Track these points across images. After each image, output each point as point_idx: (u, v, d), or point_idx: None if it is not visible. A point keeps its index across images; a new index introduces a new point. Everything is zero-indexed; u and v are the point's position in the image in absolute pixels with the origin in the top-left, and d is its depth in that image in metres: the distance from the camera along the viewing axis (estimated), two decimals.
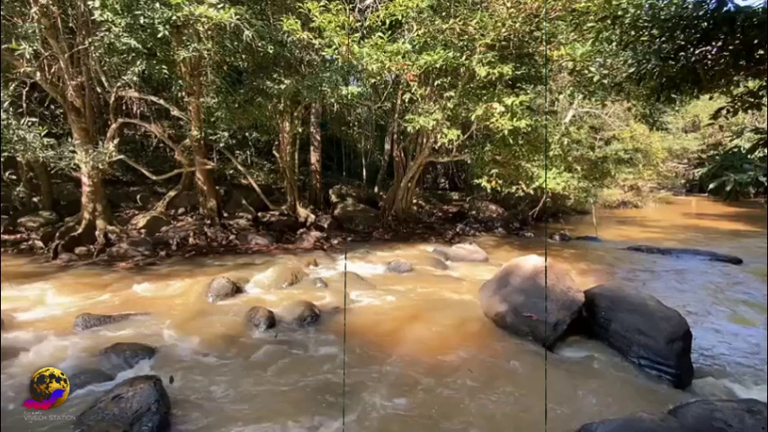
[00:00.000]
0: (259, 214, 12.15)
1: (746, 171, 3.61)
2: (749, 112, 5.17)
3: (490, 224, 14.07)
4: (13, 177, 10.59)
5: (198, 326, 4.90)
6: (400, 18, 8.14)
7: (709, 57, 4.76)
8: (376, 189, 17.26)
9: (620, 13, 5.36)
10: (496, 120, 8.24)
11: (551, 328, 4.57)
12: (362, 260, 8.80)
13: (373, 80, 9.46)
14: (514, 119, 8.16)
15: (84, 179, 8.66)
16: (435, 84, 9.41)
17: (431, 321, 5.16)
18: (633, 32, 5.31)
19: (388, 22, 8.06)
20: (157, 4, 6.49)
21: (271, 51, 7.85)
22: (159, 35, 6.67)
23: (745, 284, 7.72)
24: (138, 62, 7.78)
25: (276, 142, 13.19)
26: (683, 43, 4.74)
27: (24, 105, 9.09)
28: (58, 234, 8.45)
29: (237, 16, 6.76)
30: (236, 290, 6.13)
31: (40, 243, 8.54)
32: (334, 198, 14.98)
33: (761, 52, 4.45)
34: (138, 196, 12.37)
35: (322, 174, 15.58)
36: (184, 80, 8.66)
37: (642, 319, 4.38)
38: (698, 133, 30.89)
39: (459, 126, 9.72)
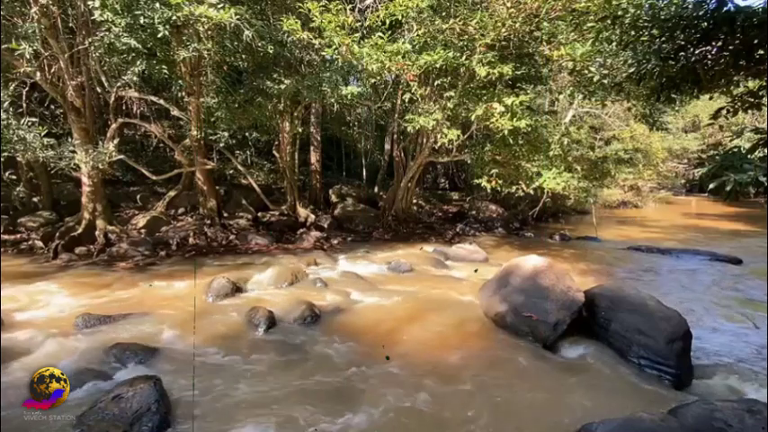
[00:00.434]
0: (259, 214, 12.15)
1: (746, 171, 3.61)
2: (749, 112, 5.17)
3: (490, 224, 14.07)
4: (13, 177, 10.59)
5: (198, 326, 4.89)
6: (400, 18, 8.13)
7: (709, 57, 4.76)
8: (376, 189, 17.27)
9: (620, 13, 5.36)
10: (496, 120, 8.24)
11: (551, 328, 4.57)
12: (362, 260, 8.80)
13: (373, 80, 9.45)
14: (514, 119, 8.16)
15: (84, 179, 8.66)
16: (435, 84, 9.40)
17: (431, 321, 5.16)
18: (633, 32, 5.31)
19: (388, 22, 8.05)
20: (157, 4, 6.49)
21: (271, 51, 7.85)
22: (159, 35, 6.68)
23: (745, 284, 7.72)
24: (138, 62, 7.78)
25: (276, 142, 13.19)
26: (683, 43, 4.74)
27: (24, 105, 9.09)
28: (58, 234, 8.45)
29: (237, 16, 6.76)
30: (236, 290, 6.13)
31: (40, 243, 8.54)
32: (334, 198, 14.98)
33: (761, 52, 4.45)
34: (138, 196, 12.36)
35: (322, 174, 15.58)
36: (184, 80, 8.66)
37: (642, 319, 4.38)
38: (698, 133, 30.90)
39: (459, 126, 9.71)
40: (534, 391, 3.75)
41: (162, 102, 9.67)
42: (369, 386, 3.79)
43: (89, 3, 6.60)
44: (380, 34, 7.74)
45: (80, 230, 8.56)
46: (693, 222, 17.61)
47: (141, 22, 6.64)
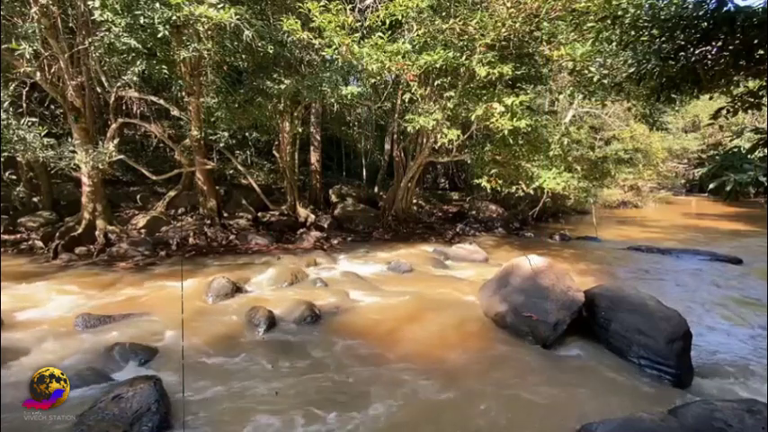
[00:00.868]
0: (259, 214, 12.15)
1: (746, 171, 3.61)
2: (749, 112, 5.17)
3: (490, 224, 14.07)
4: (13, 177, 10.59)
5: (198, 326, 4.90)
6: (400, 18, 8.13)
7: (709, 57, 4.76)
8: (376, 189, 17.27)
9: (620, 13, 5.36)
10: (496, 120, 8.23)
11: (551, 328, 4.57)
12: (362, 260, 8.80)
13: (373, 80, 9.45)
14: (514, 119, 8.16)
15: (84, 179, 8.66)
16: (435, 84, 9.40)
17: (431, 321, 5.16)
18: (633, 32, 5.31)
19: (388, 22, 8.05)
20: (157, 4, 6.49)
21: (271, 51, 7.86)
22: (159, 35, 6.68)
23: (745, 284, 7.72)
24: (138, 62, 7.78)
25: (276, 142, 13.19)
26: (683, 43, 4.74)
27: (24, 105, 9.09)
28: (58, 234, 8.45)
29: (237, 16, 6.76)
30: (236, 290, 6.13)
31: (40, 243, 8.54)
32: (334, 198, 14.98)
33: (761, 52, 4.45)
34: (138, 196, 12.36)
35: (322, 174, 15.58)
36: (184, 80, 8.66)
37: (642, 319, 4.38)
38: (698, 133, 30.90)
39: (459, 126, 9.71)
40: (534, 391, 3.75)
41: (162, 102, 9.67)
42: (369, 386, 3.78)
43: (89, 3, 6.60)
44: (380, 34, 7.74)
45: (80, 230, 8.56)
46: (693, 222, 17.61)
47: (141, 22, 6.64)
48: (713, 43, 4.63)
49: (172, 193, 11.67)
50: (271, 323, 4.94)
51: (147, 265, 7.79)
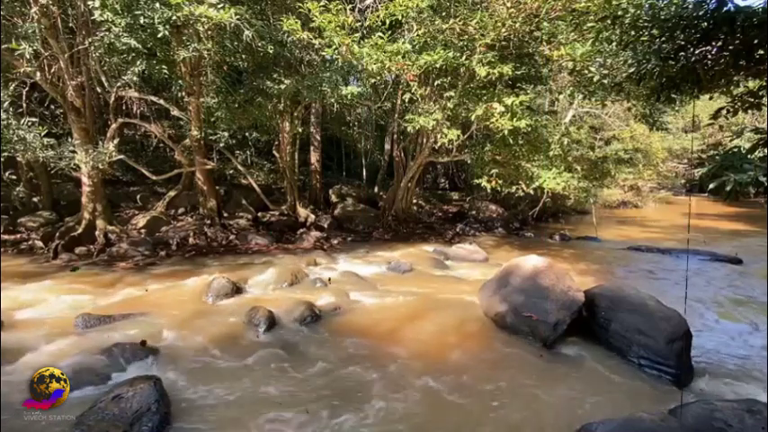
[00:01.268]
0: (259, 214, 12.15)
1: (746, 171, 3.60)
2: (749, 112, 5.17)
3: (490, 224, 14.07)
4: (13, 177, 10.59)
5: (198, 326, 4.90)
6: (400, 18, 8.13)
7: (709, 57, 4.76)
8: (376, 189, 17.27)
9: (620, 13, 5.36)
10: (496, 120, 8.24)
11: (551, 328, 4.57)
12: (362, 260, 8.80)
13: (373, 80, 9.45)
14: (514, 119, 8.16)
15: (84, 179, 8.66)
16: (435, 84, 9.40)
17: (431, 321, 5.16)
18: (633, 32, 5.30)
19: (388, 22, 8.05)
20: (157, 4, 6.49)
21: (271, 51, 7.85)
22: (159, 35, 6.68)
23: (745, 284, 7.72)
24: (138, 62, 7.78)
25: (276, 142, 13.19)
26: (683, 43, 4.74)
27: (24, 105, 9.09)
28: (58, 234, 8.45)
29: (237, 16, 6.76)
30: (236, 290, 6.13)
31: (40, 243, 8.54)
32: (334, 198, 14.98)
33: (761, 52, 4.44)
34: (138, 196, 12.37)
35: (322, 174, 15.58)
36: (184, 80, 8.66)
37: (642, 319, 4.38)
38: (698, 133, 30.88)
39: (459, 126, 9.71)
40: (534, 391, 3.75)
41: (162, 102, 9.67)
42: (369, 386, 3.79)
43: (89, 3, 6.60)
44: (380, 34, 7.74)
45: (80, 230, 8.56)
46: (693, 222, 17.60)
47: (141, 22, 6.64)
48: (713, 43, 4.62)
49: (172, 193, 11.67)
50: (271, 323, 4.94)
51: (147, 265, 7.80)
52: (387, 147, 16.43)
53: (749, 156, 3.93)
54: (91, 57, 8.01)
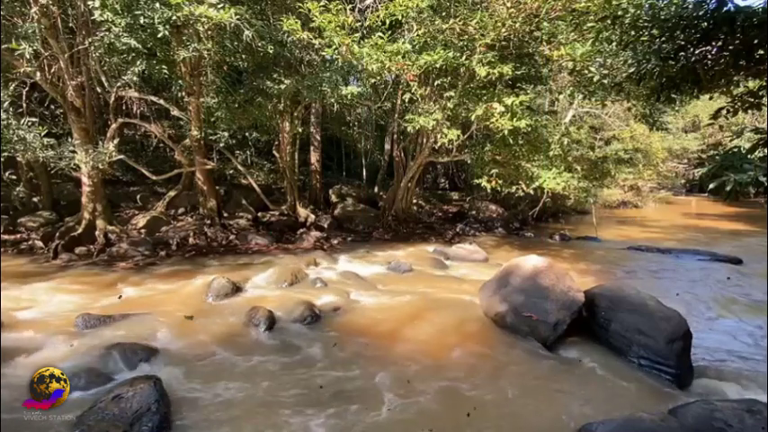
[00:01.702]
0: (259, 214, 12.15)
1: (746, 171, 3.61)
2: (749, 112, 5.17)
3: (490, 224, 14.07)
4: (13, 177, 10.59)
5: (198, 326, 4.90)
6: (400, 18, 8.13)
7: (709, 57, 4.76)
8: (376, 189, 17.27)
9: (620, 13, 5.36)
10: (496, 120, 8.24)
11: (551, 328, 4.57)
12: (362, 260, 8.79)
13: (373, 80, 9.45)
14: (514, 119, 8.16)
15: (84, 179, 8.66)
16: (435, 84, 9.40)
17: (431, 321, 5.15)
18: (633, 32, 5.31)
19: (388, 22, 8.05)
20: (157, 4, 6.49)
21: (271, 51, 7.85)
22: (159, 35, 6.67)
23: (745, 284, 7.72)
24: (138, 62, 7.78)
25: (276, 142, 13.19)
26: (683, 43, 4.74)
27: (24, 105, 9.08)
28: (58, 234, 8.45)
29: (237, 16, 6.75)
30: (236, 290, 6.13)
31: (40, 243, 8.54)
32: (334, 198, 14.98)
33: (761, 52, 4.45)
34: (138, 196, 12.36)
35: (322, 174, 15.58)
36: (184, 80, 8.65)
37: (642, 319, 4.38)
38: (698, 133, 30.89)
39: (459, 126, 9.71)
40: (534, 391, 3.75)
41: (162, 102, 9.66)
42: (368, 386, 3.79)
43: (89, 3, 6.60)
44: (380, 34, 7.74)
45: (80, 230, 8.56)
46: (693, 222, 17.61)
47: (141, 22, 6.63)
48: (713, 43, 4.63)
49: (172, 193, 11.67)
50: (271, 323, 4.94)
51: (147, 265, 7.79)
52: (387, 147, 16.43)
53: (749, 156, 3.93)
54: (91, 57, 8.01)
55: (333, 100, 8.98)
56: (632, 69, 5.72)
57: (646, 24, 5.06)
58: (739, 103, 4.96)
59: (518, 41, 9.27)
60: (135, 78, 8.18)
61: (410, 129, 9.62)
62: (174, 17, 6.50)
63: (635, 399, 3.65)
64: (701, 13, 4.42)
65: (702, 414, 2.97)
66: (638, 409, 3.18)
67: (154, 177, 9.81)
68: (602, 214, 18.10)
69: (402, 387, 3.76)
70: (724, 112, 5.05)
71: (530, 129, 8.84)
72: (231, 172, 15.14)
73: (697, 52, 4.77)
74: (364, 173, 19.51)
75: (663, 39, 4.93)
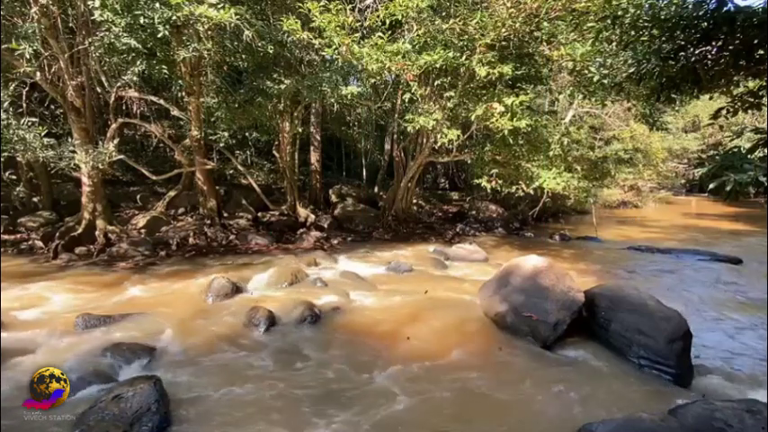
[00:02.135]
0: (259, 214, 12.15)
1: (746, 171, 3.60)
2: (749, 112, 5.17)
3: (490, 224, 14.07)
4: (13, 177, 10.59)
5: (198, 326, 4.90)
6: (400, 18, 8.13)
7: (710, 57, 4.76)
8: (376, 189, 17.27)
9: (620, 13, 5.36)
10: (496, 120, 8.24)
11: (551, 328, 4.57)
12: (362, 260, 8.79)
13: (373, 80, 9.45)
14: (514, 119, 8.16)
15: (84, 179, 8.66)
16: (435, 84, 9.41)
17: (431, 321, 5.15)
18: (633, 32, 5.31)
19: (388, 22, 8.05)
20: (157, 4, 6.49)
21: (271, 51, 7.85)
22: (159, 35, 6.67)
23: (745, 284, 7.72)
24: (138, 62, 7.78)
25: (276, 142, 13.18)
26: (683, 43, 4.74)
27: (24, 105, 9.09)
28: (58, 234, 8.45)
29: (237, 16, 6.75)
30: (236, 290, 6.12)
31: (40, 243, 8.54)
32: (334, 198, 14.98)
33: (761, 52, 4.45)
34: (138, 196, 12.36)
35: (322, 174, 15.58)
36: (184, 80, 8.65)
37: (642, 319, 4.37)
38: (698, 133, 30.89)
39: (459, 126, 9.71)
40: (534, 391, 3.75)
41: (162, 102, 9.67)
42: (368, 386, 3.79)
43: (89, 3, 6.60)
44: (380, 34, 7.74)
45: (80, 230, 8.56)
46: (693, 222, 17.61)
47: (141, 22, 6.63)
48: (713, 43, 4.62)
49: (172, 193, 11.67)
50: (271, 323, 4.94)
51: (147, 265, 7.80)
52: (387, 147, 16.43)
53: (749, 156, 3.93)
54: (91, 57, 8.01)
55: (333, 100, 8.98)
56: (632, 69, 5.72)
57: (646, 24, 5.06)
58: (739, 103, 4.96)
59: (518, 41, 9.26)
60: (135, 78, 8.18)
61: (410, 129, 9.62)
62: (174, 17, 6.50)
63: (635, 399, 3.64)
64: (700, 13, 4.42)
65: (702, 414, 2.97)
66: (638, 409, 3.18)
67: (154, 177, 9.81)
68: (602, 214, 18.09)
69: (402, 388, 3.76)
70: (724, 112, 5.05)
71: (530, 129, 8.84)
72: (231, 172, 15.14)
73: (697, 52, 4.77)
74: (364, 173, 19.51)
75: (663, 39, 4.93)
